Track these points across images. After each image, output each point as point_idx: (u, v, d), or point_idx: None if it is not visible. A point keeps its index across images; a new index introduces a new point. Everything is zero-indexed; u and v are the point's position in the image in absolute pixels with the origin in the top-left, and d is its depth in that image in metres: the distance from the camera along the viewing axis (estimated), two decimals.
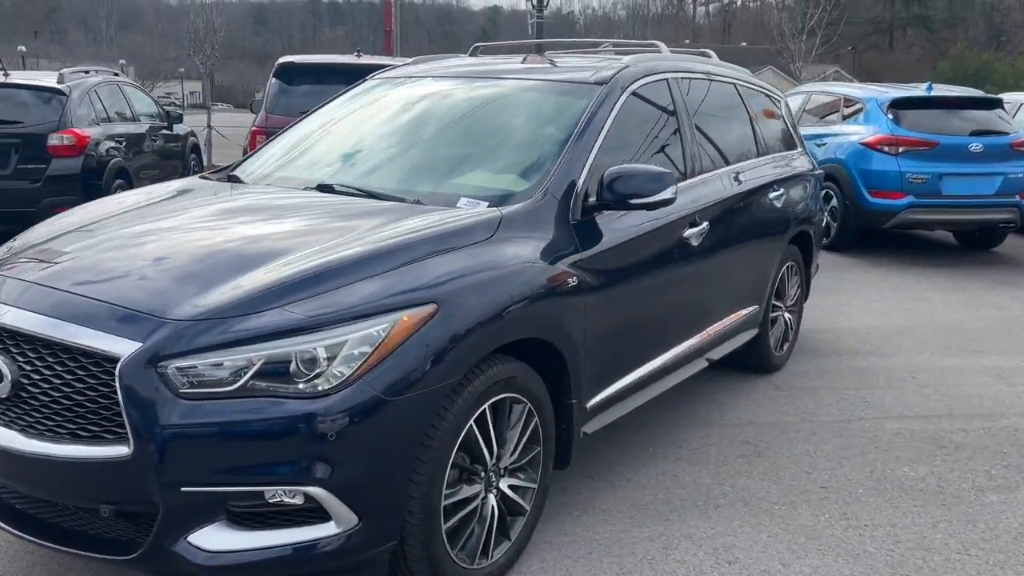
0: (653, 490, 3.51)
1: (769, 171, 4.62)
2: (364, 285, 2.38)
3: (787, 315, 5.05)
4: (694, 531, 3.19)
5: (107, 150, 7.62)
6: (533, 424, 2.86)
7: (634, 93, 3.61)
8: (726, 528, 3.23)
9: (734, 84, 4.58)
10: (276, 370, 2.21)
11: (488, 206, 2.95)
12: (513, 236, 2.83)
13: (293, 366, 2.22)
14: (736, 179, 4.21)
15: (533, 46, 5.33)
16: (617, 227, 3.25)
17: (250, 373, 2.18)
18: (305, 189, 3.26)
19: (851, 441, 4.07)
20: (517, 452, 2.81)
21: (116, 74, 9.26)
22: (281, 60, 8.60)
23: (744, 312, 4.38)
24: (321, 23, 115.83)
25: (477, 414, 2.58)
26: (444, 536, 2.54)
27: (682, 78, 4.01)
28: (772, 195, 4.54)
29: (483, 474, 2.69)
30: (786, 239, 4.73)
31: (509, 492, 2.81)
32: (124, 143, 8.05)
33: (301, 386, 2.20)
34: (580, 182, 3.12)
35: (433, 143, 3.49)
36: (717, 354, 4.20)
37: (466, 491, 2.62)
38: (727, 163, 4.24)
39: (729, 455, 3.87)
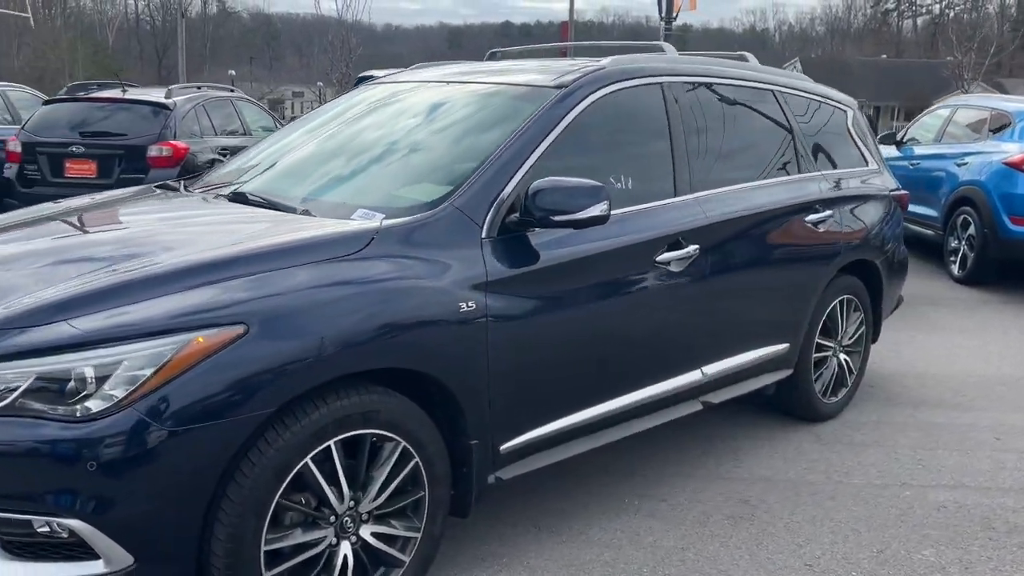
0: (600, 549, 3.07)
1: (810, 190, 4.02)
2: (166, 301, 2.16)
3: (843, 356, 4.38)
4: None
5: (208, 161, 7.92)
6: (412, 465, 2.53)
7: (604, 98, 3.20)
8: None
9: (772, 91, 4.02)
10: (50, 388, 2.03)
11: (384, 219, 2.65)
12: (391, 253, 2.52)
13: (71, 385, 2.03)
14: (751, 197, 3.67)
15: (557, 50, 4.97)
16: (557, 248, 2.86)
17: (20, 390, 2.01)
18: (216, 198, 3.10)
19: (874, 511, 3.42)
20: (385, 496, 2.49)
21: (231, 90, 9.69)
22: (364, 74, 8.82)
23: (766, 351, 3.81)
24: (512, 45, 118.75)
25: (318, 451, 2.30)
26: None
27: (683, 83, 3.55)
28: (812, 217, 3.94)
29: (333, 519, 2.39)
30: (833, 268, 4.09)
31: (373, 540, 2.49)
32: (229, 155, 8.35)
33: (67, 408, 2.01)
34: (504, 195, 2.77)
35: (368, 151, 3.24)
36: (720, 397, 3.66)
37: (301, 536, 2.33)
38: (743, 179, 3.72)
39: (713, 515, 3.34)
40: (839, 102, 4.54)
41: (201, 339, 2.09)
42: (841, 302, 4.25)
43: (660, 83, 3.45)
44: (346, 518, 2.43)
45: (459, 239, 2.65)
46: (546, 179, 2.74)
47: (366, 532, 2.48)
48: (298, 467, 2.27)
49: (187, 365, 2.07)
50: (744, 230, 3.61)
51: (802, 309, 3.98)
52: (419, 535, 2.60)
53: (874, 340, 4.70)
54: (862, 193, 4.38)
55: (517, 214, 2.75)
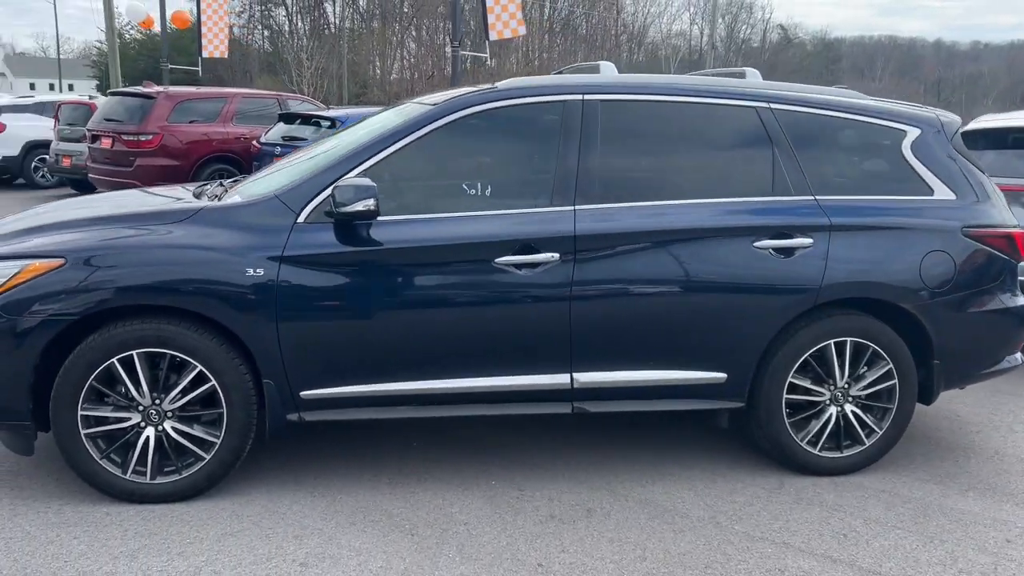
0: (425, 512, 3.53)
1: (778, 214, 3.71)
2: (30, 240, 3.40)
3: (850, 408, 3.86)
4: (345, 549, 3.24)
5: None
6: (209, 386, 3.40)
7: (476, 115, 3.60)
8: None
9: (751, 108, 3.80)
10: None
11: (239, 201, 3.56)
12: (205, 226, 3.41)
13: None
14: (663, 214, 3.63)
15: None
16: (385, 237, 3.44)
17: None
18: (199, 193, 4.15)
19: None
20: (182, 402, 3.40)
21: None
22: None
23: (683, 374, 3.68)
24: None
25: (123, 356, 3.32)
26: (88, 438, 3.36)
27: (599, 100, 3.68)
28: (769, 243, 3.65)
29: (140, 408, 3.39)
30: (805, 302, 3.69)
31: (175, 434, 3.42)
32: None
33: None
34: (328, 191, 3.42)
35: (314, 159, 3.98)
36: (606, 408, 3.71)
37: (112, 413, 3.38)
38: (666, 196, 3.69)
39: (556, 513, 3.50)
40: (894, 121, 3.95)
41: (36, 264, 3.28)
42: (838, 344, 3.79)
43: (563, 101, 3.67)
44: (151, 410, 3.40)
45: (270, 221, 3.42)
46: (345, 178, 3.35)
47: (168, 425, 3.43)
48: (105, 364, 3.32)
49: (24, 279, 3.27)
50: (638, 246, 3.60)
51: (744, 340, 3.70)
52: (218, 442, 3.44)
53: (928, 401, 3.99)
54: (898, 225, 3.80)
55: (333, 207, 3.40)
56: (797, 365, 3.77)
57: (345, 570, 3.02)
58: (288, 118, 10.82)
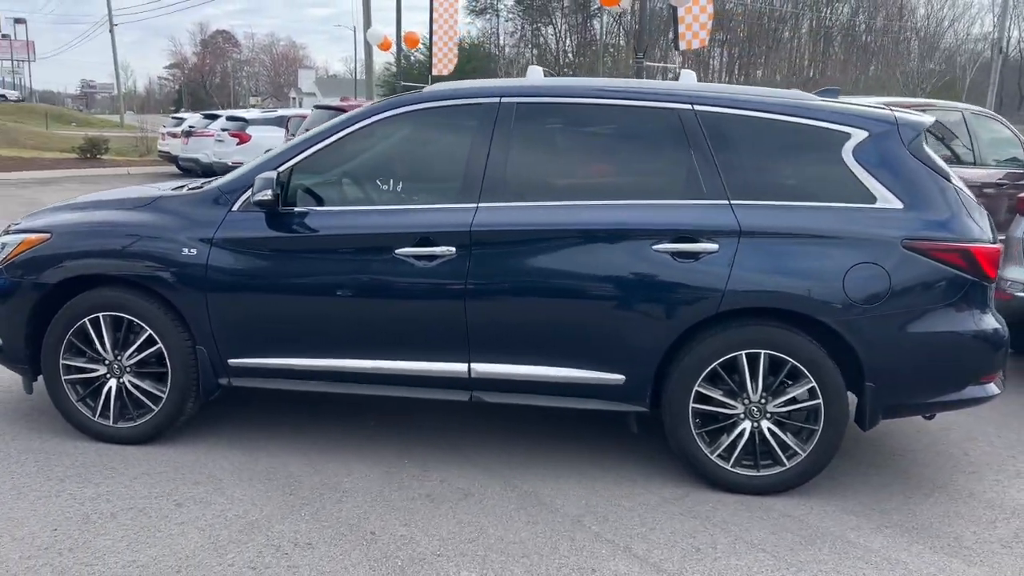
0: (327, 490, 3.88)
1: (683, 217, 3.62)
2: (37, 219, 4.16)
3: (767, 425, 3.66)
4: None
5: None
6: (156, 348, 3.98)
7: (396, 118, 3.90)
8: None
9: (673, 111, 3.72)
10: None
11: (186, 192, 4.14)
12: (161, 211, 3.99)
13: None
14: (561, 214, 3.69)
15: None
16: (299, 227, 3.85)
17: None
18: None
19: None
20: (136, 359, 4.00)
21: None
22: None
23: (578, 373, 3.70)
24: None
25: (91, 317, 3.99)
26: (68, 383, 4.07)
27: (520, 103, 3.81)
28: (668, 247, 3.58)
29: (107, 362, 4.04)
30: (703, 310, 3.56)
31: (132, 388, 4.04)
32: None
33: None
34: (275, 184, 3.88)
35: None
36: (502, 399, 3.81)
37: (84, 364, 4.05)
38: (571, 197, 3.75)
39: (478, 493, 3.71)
40: (836, 124, 3.68)
41: (31, 238, 4.03)
42: (751, 356, 3.62)
43: (479, 104, 3.85)
44: (114, 364, 4.04)
45: (209, 209, 3.93)
46: (264, 173, 3.79)
47: (127, 379, 4.04)
48: (78, 324, 4.00)
49: (23, 249, 4.03)
50: (533, 244, 3.69)
51: (640, 343, 3.65)
52: (164, 396, 4.01)
53: (864, 427, 3.67)
54: (820, 233, 3.56)
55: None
56: (705, 374, 3.65)
57: (206, 512, 3.43)
58: None
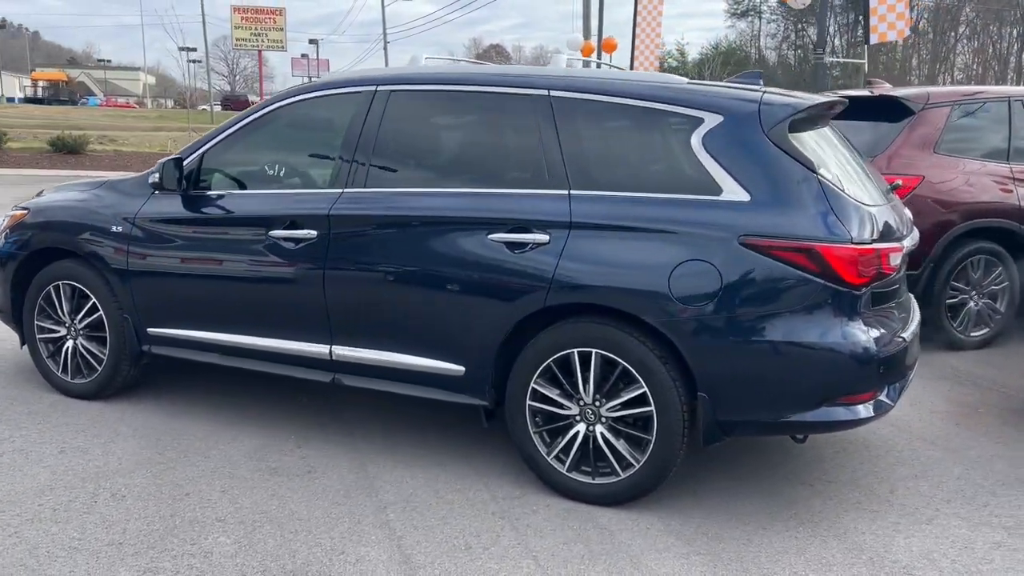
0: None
1: (520, 206, 3.47)
2: (46, 194, 4.81)
3: (600, 430, 3.42)
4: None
5: None
6: (98, 315, 4.48)
7: (291, 106, 4.09)
8: None
9: (532, 98, 3.57)
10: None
11: (129, 176, 4.60)
12: (109, 192, 4.46)
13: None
14: (410, 201, 3.69)
15: None
16: (195, 209, 4.18)
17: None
18: None
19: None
20: (85, 323, 4.52)
21: None
22: None
23: (424, 362, 3.68)
24: None
25: (52, 286, 4.57)
26: (41, 342, 4.69)
27: (393, 90, 3.86)
28: (502, 237, 3.46)
29: (66, 326, 4.61)
30: (531, 304, 3.40)
31: (83, 349, 4.57)
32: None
33: None
34: (179, 168, 4.26)
35: None
36: (359, 383, 3.86)
37: (50, 326, 4.64)
38: (429, 183, 3.75)
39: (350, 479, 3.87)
40: (690, 108, 3.34)
41: (17, 213, 4.69)
42: (583, 355, 3.41)
43: (358, 92, 3.94)
44: (72, 328, 4.58)
45: (141, 191, 4.34)
46: (167, 158, 4.15)
47: (80, 341, 4.57)
48: (45, 291, 4.59)
49: (9, 224, 4.70)
50: (382, 230, 3.72)
51: (476, 334, 3.55)
52: (104, 359, 4.49)
53: (700, 442, 3.32)
54: (652, 227, 3.27)
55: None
56: (540, 371, 3.49)
57: (77, 460, 3.81)
58: None
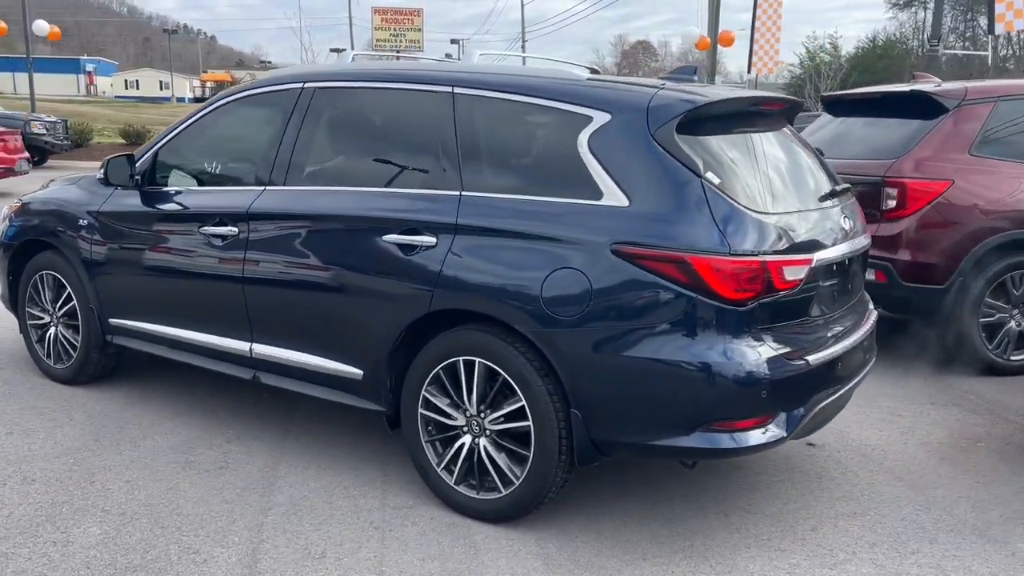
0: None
1: (414, 207, 3.36)
2: (37, 192, 5.08)
3: (483, 442, 3.27)
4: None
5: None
6: (66, 294, 4.68)
7: (233, 103, 4.14)
8: None
9: (437, 95, 3.45)
10: None
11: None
12: (87, 187, 4.64)
13: None
14: (319, 200, 3.65)
15: None
16: (140, 205, 4.30)
17: None
18: None
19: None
20: (64, 309, 4.74)
21: None
22: None
23: (328, 364, 3.62)
24: None
25: (40, 276, 4.83)
26: (31, 327, 4.96)
27: (318, 88, 3.82)
28: (395, 239, 3.36)
29: (48, 312, 4.85)
30: (417, 308, 3.27)
31: (60, 333, 4.80)
32: None
33: None
34: (131, 165, 4.38)
35: None
36: (276, 383, 3.85)
37: (35, 312, 4.89)
38: (343, 182, 3.70)
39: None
40: (580, 105, 3.11)
41: (16, 204, 4.97)
42: (467, 364, 3.26)
43: (287, 89, 3.93)
44: (53, 315, 4.82)
45: (104, 188, 4.50)
46: (116, 156, 4.29)
47: (60, 328, 4.79)
48: (32, 279, 4.84)
49: (10, 214, 4.98)
50: (289, 228, 3.69)
51: (371, 338, 3.46)
52: (79, 346, 4.69)
53: (575, 461, 3.10)
54: (529, 232, 3.08)
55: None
56: (430, 379, 3.37)
57: (24, 442, 3.99)
58: None
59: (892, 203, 5.15)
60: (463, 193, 3.29)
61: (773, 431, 2.94)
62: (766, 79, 25.44)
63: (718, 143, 3.12)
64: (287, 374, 3.83)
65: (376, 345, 3.47)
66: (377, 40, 43.06)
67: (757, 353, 2.87)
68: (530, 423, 3.12)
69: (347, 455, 3.93)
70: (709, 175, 2.93)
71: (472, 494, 3.32)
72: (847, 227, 3.39)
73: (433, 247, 3.28)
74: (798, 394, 2.99)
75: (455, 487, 3.36)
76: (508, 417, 3.19)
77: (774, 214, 3.01)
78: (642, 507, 3.46)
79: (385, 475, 3.73)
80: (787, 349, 2.96)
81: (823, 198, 3.40)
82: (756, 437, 2.92)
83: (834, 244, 3.24)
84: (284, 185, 3.79)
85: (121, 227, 4.35)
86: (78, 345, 4.69)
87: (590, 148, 3.06)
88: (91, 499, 3.46)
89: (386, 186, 3.53)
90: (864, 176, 5.34)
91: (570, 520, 3.34)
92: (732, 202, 2.91)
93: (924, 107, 5.34)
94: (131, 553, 3.05)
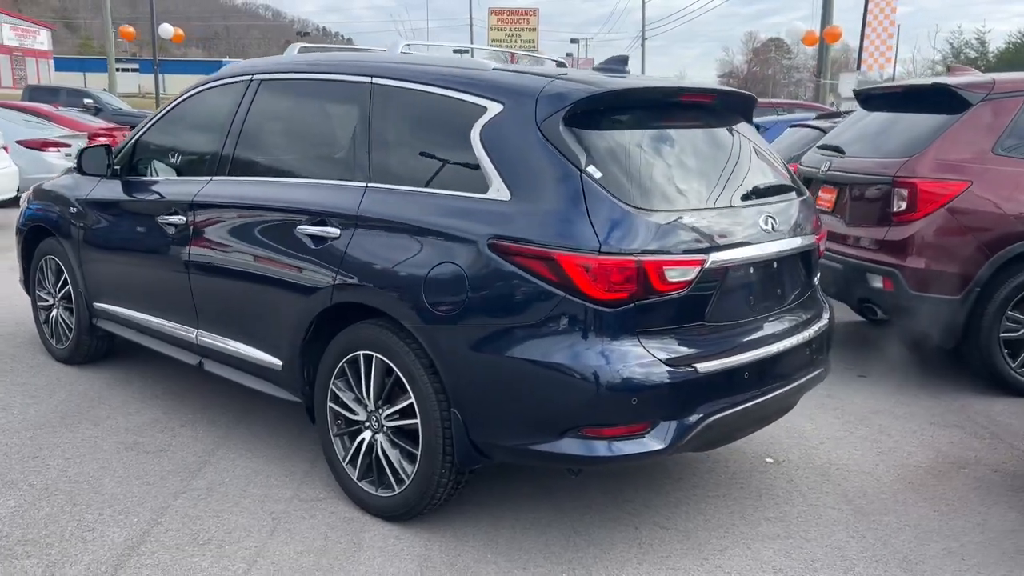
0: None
1: (324, 198, 3.34)
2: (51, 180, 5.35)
3: (381, 439, 3.21)
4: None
5: None
6: (63, 278, 4.92)
7: (199, 94, 4.23)
8: None
9: (357, 85, 3.42)
10: None
11: None
12: (87, 178, 4.84)
13: None
14: (249, 190, 3.69)
15: None
16: (114, 193, 4.47)
17: None
18: None
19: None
20: (61, 294, 4.98)
21: None
22: None
23: (254, 354, 3.67)
24: None
25: (44, 259, 5.09)
26: (39, 308, 5.24)
27: (263, 80, 3.87)
28: (307, 230, 3.36)
29: (52, 295, 5.10)
30: (320, 300, 3.26)
31: (60, 316, 5.04)
32: None
33: None
34: (114, 153, 4.56)
35: None
36: (216, 370, 3.92)
37: (43, 296, 5.17)
38: (275, 173, 3.76)
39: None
40: (476, 95, 3.01)
41: (29, 192, 5.24)
42: (366, 358, 3.22)
43: (237, 82, 3.99)
44: (55, 299, 5.07)
45: (95, 177, 4.69)
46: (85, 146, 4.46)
47: (60, 311, 5.04)
48: (39, 264, 5.11)
49: (27, 200, 5.27)
50: (224, 217, 3.75)
51: (285, 329, 3.47)
52: (73, 327, 4.92)
53: (455, 463, 3.00)
54: (420, 225, 3.00)
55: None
56: (336, 372, 3.34)
57: (3, 412, 4.24)
58: None
59: (902, 205, 4.76)
60: (369, 184, 3.25)
61: (650, 442, 2.76)
62: (880, 76, 24.15)
63: (617, 136, 2.95)
64: (225, 362, 3.89)
65: (291, 336, 3.47)
66: (493, 40, 43.39)
67: (628, 357, 2.69)
68: (418, 421, 3.05)
69: (286, 445, 3.95)
70: (590, 169, 2.77)
71: (372, 491, 3.28)
72: (774, 227, 3.14)
73: (337, 239, 3.25)
74: (683, 403, 2.79)
75: (358, 483, 3.32)
76: (401, 414, 3.13)
77: (664, 211, 2.82)
78: (552, 514, 3.33)
79: (312, 467, 3.72)
80: (670, 355, 2.77)
81: (747, 196, 3.17)
82: (631, 446, 2.75)
83: (748, 244, 3.01)
84: (227, 176, 3.85)
85: (99, 215, 4.53)
86: (73, 327, 4.92)
87: (481, 139, 2.96)
88: (24, 473, 3.60)
89: (308, 177, 3.53)
90: (874, 176, 4.97)
91: (471, 523, 3.25)
92: (612, 198, 2.74)
93: (947, 101, 4.91)
94: (31, 527, 3.16)
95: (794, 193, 3.45)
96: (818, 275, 3.58)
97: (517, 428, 2.85)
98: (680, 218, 2.84)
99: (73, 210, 4.70)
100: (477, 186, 2.93)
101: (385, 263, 3.08)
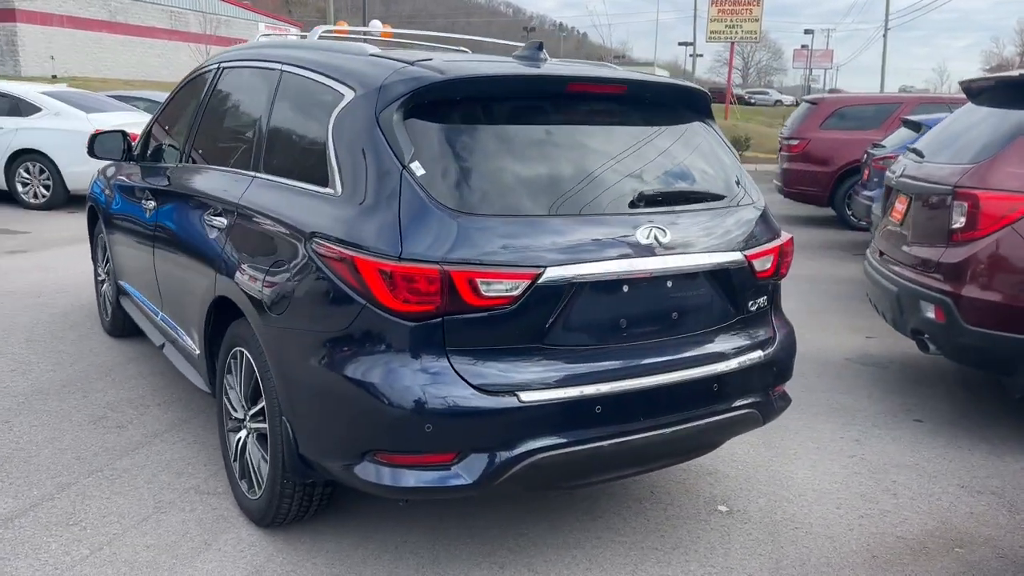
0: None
1: (224, 187, 3.31)
2: None
3: (249, 439, 3.11)
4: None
5: None
6: (109, 264, 5.24)
7: (192, 80, 4.32)
8: None
9: (278, 71, 3.31)
10: None
11: None
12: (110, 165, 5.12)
13: None
14: (186, 176, 3.75)
15: None
16: (129, 174, 4.69)
17: None
18: None
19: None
20: (106, 269, 5.31)
21: None
22: None
23: (185, 341, 3.71)
24: None
25: (97, 239, 5.46)
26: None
27: (234, 67, 3.85)
28: (209, 218, 3.33)
29: (104, 272, 5.46)
30: (209, 292, 3.21)
31: (107, 294, 5.38)
32: None
33: None
34: (125, 139, 4.76)
35: None
36: (167, 351, 3.99)
37: (99, 271, 5.53)
38: (212, 161, 3.74)
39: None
40: (337, 81, 2.80)
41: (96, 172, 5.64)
42: (240, 355, 3.12)
43: (209, 70, 4.03)
44: (104, 274, 5.41)
45: (123, 162, 4.94)
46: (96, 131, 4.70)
47: (105, 287, 5.37)
48: (96, 239, 5.48)
49: (93, 180, 5.67)
50: (171, 204, 3.83)
51: (193, 318, 3.46)
52: (111, 304, 5.23)
53: (296, 476, 2.83)
54: (273, 218, 2.86)
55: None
56: (226, 367, 3.27)
57: (18, 375, 4.55)
58: (912, 125, 9.55)
59: (961, 221, 3.97)
60: (256, 175, 3.15)
61: (457, 475, 2.44)
62: None
63: (464, 131, 2.62)
64: (173, 343, 3.95)
65: (198, 326, 3.45)
66: (711, 32, 41.88)
67: (427, 378, 2.39)
68: (267, 424, 2.91)
69: None
70: (413, 166, 2.48)
71: (245, 491, 3.18)
72: (659, 240, 2.66)
73: (223, 229, 3.18)
74: (499, 436, 2.44)
75: (239, 481, 3.24)
76: (262, 416, 3.00)
77: (493, 216, 2.47)
78: (428, 535, 3.07)
79: None
80: (485, 380, 2.43)
81: (634, 203, 2.71)
82: (434, 478, 2.44)
83: (612, 259, 2.58)
84: (187, 162, 3.90)
85: (114, 196, 4.76)
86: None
87: (332, 128, 2.76)
88: None
89: (228, 166, 3.49)
90: (937, 185, 4.19)
91: (339, 536, 3.06)
92: (427, 198, 2.44)
93: None
94: None
95: (721, 202, 2.93)
96: (763, 298, 3.03)
97: (329, 447, 2.63)
98: (513, 225, 2.48)
99: (106, 193, 4.99)
100: (320, 178, 2.74)
101: (244, 258, 2.98)
